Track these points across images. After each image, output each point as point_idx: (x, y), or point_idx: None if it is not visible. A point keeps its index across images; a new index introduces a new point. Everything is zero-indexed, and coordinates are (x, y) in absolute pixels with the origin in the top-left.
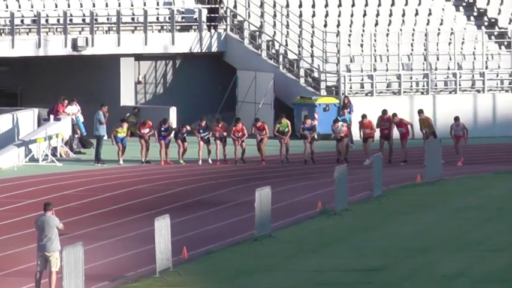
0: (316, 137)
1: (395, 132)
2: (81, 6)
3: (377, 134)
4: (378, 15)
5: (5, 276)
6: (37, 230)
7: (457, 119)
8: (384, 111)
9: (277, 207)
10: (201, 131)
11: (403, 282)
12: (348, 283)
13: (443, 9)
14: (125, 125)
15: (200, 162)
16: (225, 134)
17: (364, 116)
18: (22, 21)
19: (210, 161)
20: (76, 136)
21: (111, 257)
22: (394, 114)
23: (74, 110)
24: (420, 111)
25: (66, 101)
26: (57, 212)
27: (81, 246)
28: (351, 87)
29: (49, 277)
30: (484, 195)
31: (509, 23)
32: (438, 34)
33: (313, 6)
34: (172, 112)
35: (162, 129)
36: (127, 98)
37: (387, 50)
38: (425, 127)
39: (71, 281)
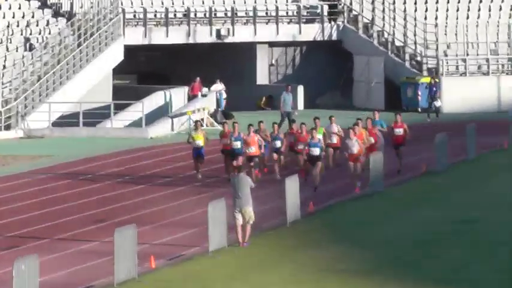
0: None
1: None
2: (224, 3)
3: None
4: (468, 10)
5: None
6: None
7: None
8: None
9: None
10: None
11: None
12: (450, 232)
13: None
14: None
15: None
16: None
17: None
18: (175, 15)
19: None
20: (220, 109)
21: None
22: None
23: (218, 87)
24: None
25: (198, 78)
26: (211, 169)
27: None
28: (448, 69)
29: None
30: None
31: None
32: None
33: (415, 3)
34: (300, 90)
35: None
36: (262, 78)
37: (477, 38)
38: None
39: None
